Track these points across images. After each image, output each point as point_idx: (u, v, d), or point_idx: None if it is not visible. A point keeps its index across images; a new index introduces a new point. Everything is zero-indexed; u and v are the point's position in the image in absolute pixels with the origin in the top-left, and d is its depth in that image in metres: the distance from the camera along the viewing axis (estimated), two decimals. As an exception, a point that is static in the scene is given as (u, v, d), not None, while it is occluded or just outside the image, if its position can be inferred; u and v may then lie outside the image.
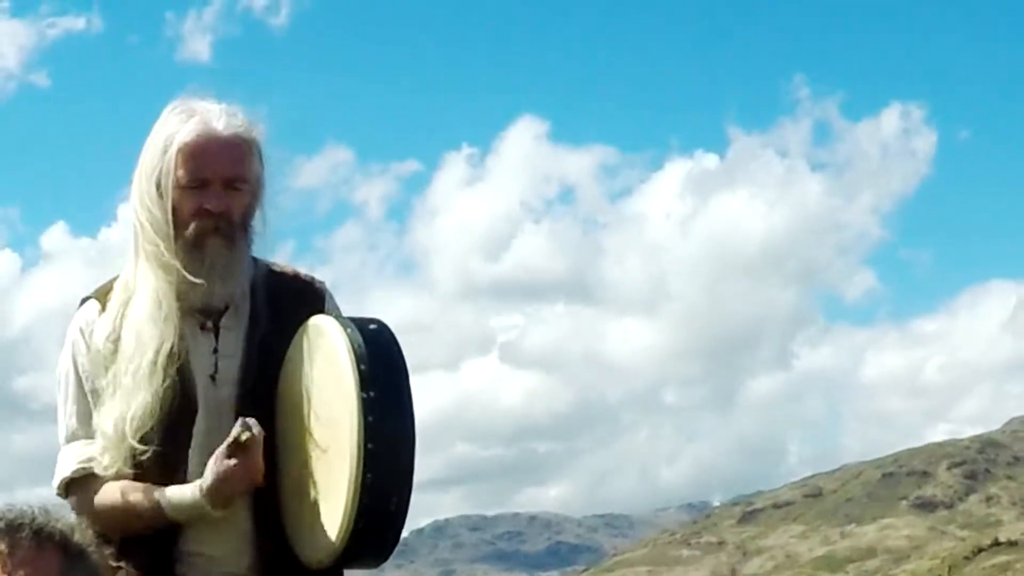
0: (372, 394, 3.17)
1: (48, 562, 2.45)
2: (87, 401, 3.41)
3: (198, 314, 3.42)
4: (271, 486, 3.38)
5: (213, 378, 3.41)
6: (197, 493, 3.29)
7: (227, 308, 3.45)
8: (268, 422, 3.35)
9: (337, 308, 3.57)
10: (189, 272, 3.36)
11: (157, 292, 3.36)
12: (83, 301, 3.51)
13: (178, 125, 3.38)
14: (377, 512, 3.20)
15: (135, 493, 3.34)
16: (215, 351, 3.42)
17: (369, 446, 3.14)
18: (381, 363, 3.24)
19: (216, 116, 3.40)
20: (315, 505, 3.30)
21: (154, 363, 3.33)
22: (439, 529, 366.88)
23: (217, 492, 3.27)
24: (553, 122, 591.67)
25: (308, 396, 3.34)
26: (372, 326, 3.31)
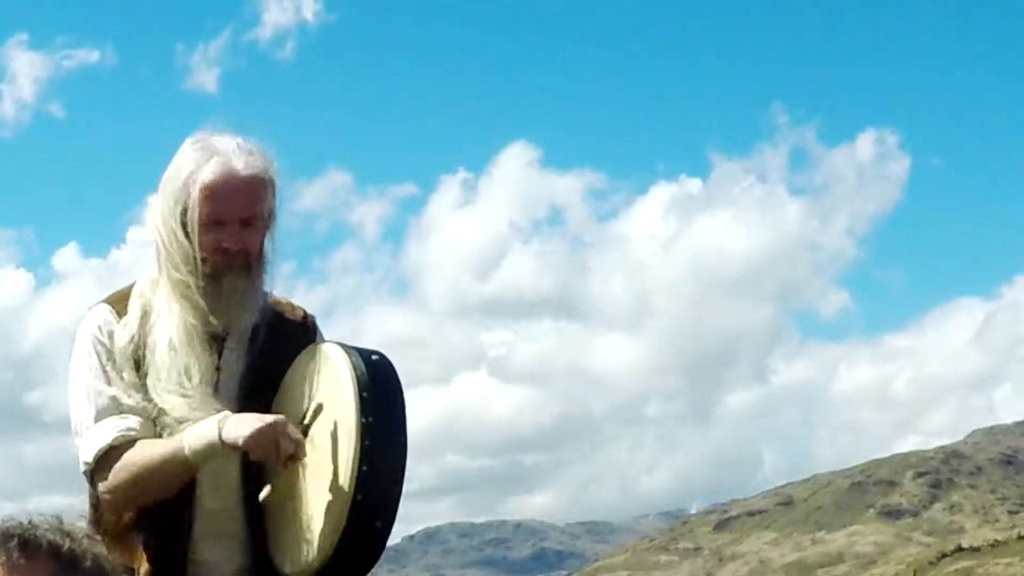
0: (371, 419, 3.21)
1: (39, 571, 2.40)
2: (114, 386, 3.42)
3: (204, 332, 3.49)
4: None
5: (215, 393, 3.46)
6: (212, 423, 3.31)
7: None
8: None
9: (323, 339, 3.63)
10: (209, 305, 3.41)
11: (186, 322, 3.41)
12: (92, 307, 3.56)
13: (199, 163, 3.38)
14: (363, 531, 3.24)
15: (161, 445, 3.35)
16: (217, 368, 3.50)
17: (363, 468, 3.18)
18: (382, 392, 3.28)
19: (236, 155, 3.40)
20: (302, 518, 3.32)
21: (190, 379, 3.39)
22: (429, 535, 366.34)
23: (236, 425, 3.27)
24: (545, 148, 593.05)
25: (308, 415, 3.36)
26: (374, 356, 3.35)
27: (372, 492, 3.21)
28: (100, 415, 3.41)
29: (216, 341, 3.46)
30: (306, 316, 3.65)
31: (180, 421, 3.36)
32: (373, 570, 3.39)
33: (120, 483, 3.33)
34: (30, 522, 2.45)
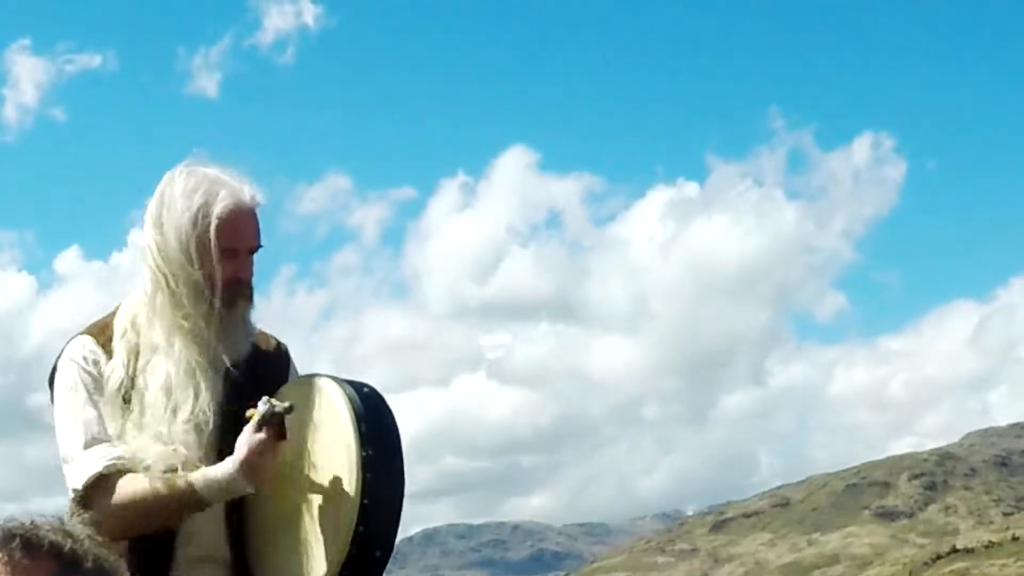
0: (371, 452, 3.26)
1: (41, 571, 2.38)
2: (102, 420, 3.42)
3: None
4: (245, 520, 3.47)
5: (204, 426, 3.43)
6: (230, 467, 3.30)
7: None
8: None
9: (296, 370, 3.66)
10: (217, 337, 3.43)
11: (193, 355, 3.41)
12: (73, 338, 3.53)
13: (209, 195, 3.42)
14: (363, 560, 3.29)
15: (165, 478, 3.32)
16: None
17: (365, 501, 3.23)
18: (377, 424, 3.32)
19: (241, 187, 3.46)
20: (299, 546, 3.35)
21: (191, 419, 3.38)
22: (428, 537, 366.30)
23: (249, 463, 3.28)
24: (543, 151, 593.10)
25: (301, 446, 3.37)
26: (366, 389, 3.37)
27: (373, 523, 3.25)
28: (90, 443, 3.42)
29: (216, 375, 3.46)
30: (279, 345, 3.68)
31: (148, 468, 3.34)
32: None
33: (117, 511, 3.31)
34: (32, 523, 2.44)
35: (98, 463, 3.37)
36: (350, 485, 3.24)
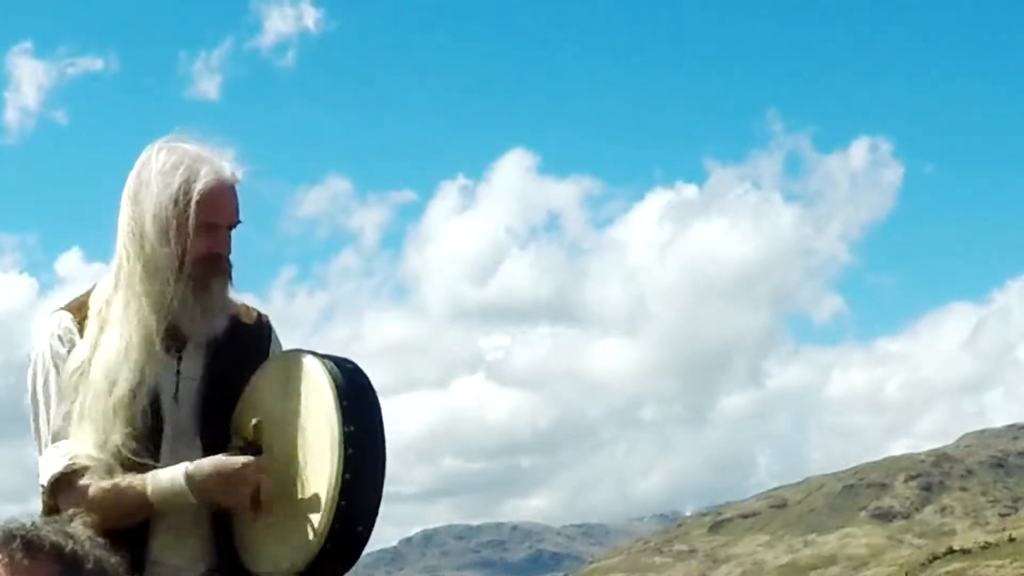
0: (352, 428, 3.24)
1: (42, 572, 2.38)
2: (68, 404, 3.38)
3: (166, 338, 3.43)
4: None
5: (175, 398, 3.42)
6: (180, 475, 3.28)
7: None
8: (224, 441, 3.40)
9: (279, 342, 3.63)
10: (189, 312, 3.39)
11: (145, 332, 3.34)
12: (52, 313, 3.49)
13: (191, 170, 3.38)
14: (345, 536, 3.28)
15: (123, 479, 3.29)
16: (178, 372, 3.44)
17: (347, 476, 3.21)
18: (360, 400, 3.31)
19: (221, 162, 3.43)
20: (283, 522, 3.33)
21: (134, 396, 3.32)
22: (427, 537, 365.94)
23: (206, 483, 3.27)
24: (543, 154, 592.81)
25: (283, 423, 3.36)
26: (348, 365, 3.36)
27: (355, 499, 3.24)
28: (56, 436, 3.39)
29: (176, 340, 3.42)
30: (261, 317, 3.63)
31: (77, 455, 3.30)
32: (355, 572, 3.43)
33: (80, 511, 3.18)
34: (33, 524, 2.45)
35: (59, 462, 3.33)
36: (332, 460, 3.22)
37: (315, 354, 3.40)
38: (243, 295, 3.59)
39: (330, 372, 3.31)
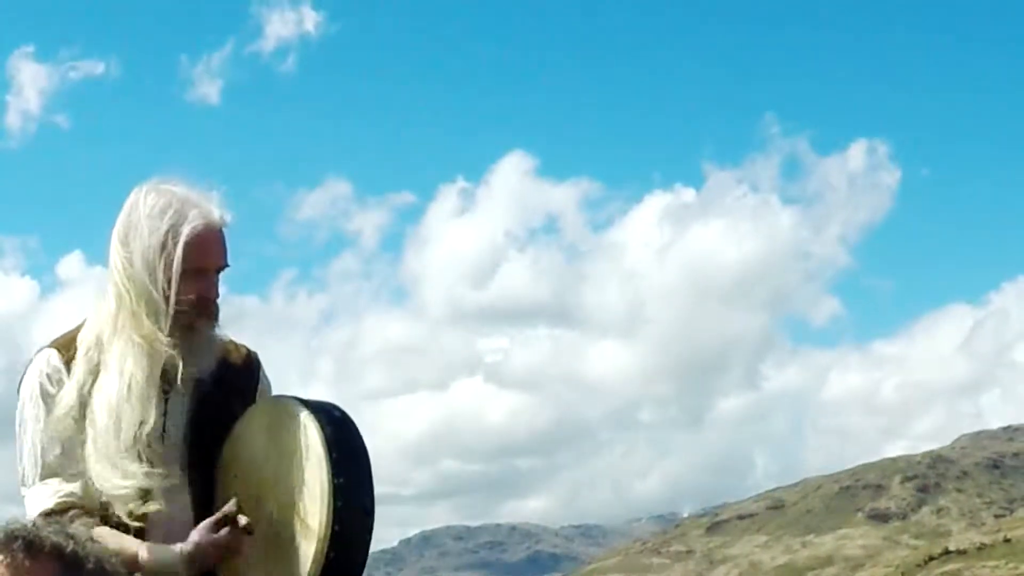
0: (342, 480, 3.25)
1: (43, 572, 2.40)
2: (60, 445, 3.39)
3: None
4: None
5: (162, 438, 3.41)
6: (176, 555, 3.30)
7: None
8: (210, 483, 3.43)
9: (267, 378, 3.63)
10: (177, 354, 3.38)
11: (141, 374, 3.36)
12: (40, 350, 3.49)
13: (180, 214, 3.39)
14: None
15: (113, 539, 3.28)
16: (164, 413, 3.43)
17: (336, 528, 3.23)
18: (348, 450, 3.32)
19: (210, 206, 3.43)
20: (268, 571, 3.35)
21: (140, 436, 3.34)
22: (426, 539, 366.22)
23: (193, 559, 3.30)
24: (542, 157, 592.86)
25: (269, 470, 3.36)
26: (336, 413, 3.37)
27: (343, 550, 3.27)
28: (45, 473, 3.40)
29: (161, 390, 3.42)
30: (249, 354, 3.64)
31: (107, 494, 3.32)
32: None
33: None
34: (34, 524, 2.47)
35: (49, 499, 3.34)
36: (321, 513, 3.24)
37: (302, 401, 3.39)
38: (226, 333, 3.57)
39: (318, 420, 3.31)
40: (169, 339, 3.37)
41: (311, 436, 3.29)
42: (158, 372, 3.38)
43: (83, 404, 3.38)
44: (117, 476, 3.31)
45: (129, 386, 3.35)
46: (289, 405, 3.39)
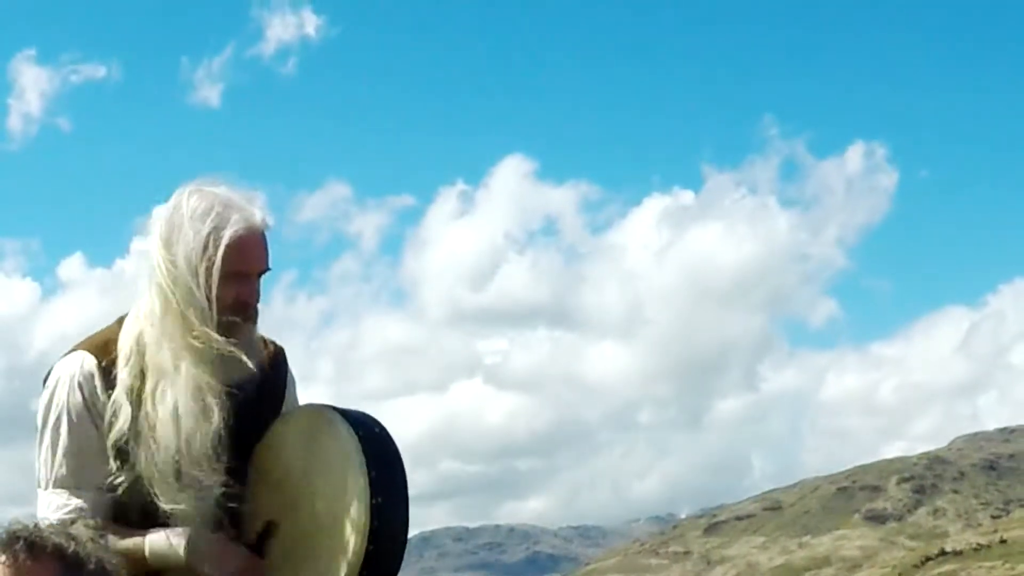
0: (380, 500, 3.22)
1: (44, 573, 2.41)
2: (80, 455, 3.36)
3: None
4: None
5: (219, 440, 3.37)
6: (182, 539, 3.30)
7: None
8: (242, 484, 3.41)
9: (292, 372, 3.64)
10: (226, 358, 3.35)
11: (200, 383, 3.33)
12: (71, 351, 3.45)
13: (222, 217, 3.35)
14: None
15: (122, 539, 3.28)
16: (225, 416, 3.39)
17: (370, 547, 3.21)
18: (388, 469, 3.28)
19: (252, 209, 3.40)
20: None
21: (202, 444, 3.33)
22: (425, 540, 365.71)
23: (202, 553, 3.30)
24: (541, 160, 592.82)
25: (305, 483, 3.36)
26: (377, 429, 3.34)
27: (378, 567, 3.24)
28: (58, 482, 3.36)
29: (225, 394, 3.37)
30: (277, 351, 3.60)
31: (164, 502, 3.30)
32: None
33: None
34: (35, 525, 2.47)
35: (56, 513, 3.30)
36: (357, 532, 3.21)
37: (344, 413, 3.35)
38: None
39: (360, 436, 3.28)
40: (223, 339, 3.33)
41: (351, 453, 3.25)
42: (213, 375, 3.34)
43: (135, 410, 3.33)
44: (176, 486, 3.30)
45: (189, 392, 3.31)
46: (330, 416, 3.35)
